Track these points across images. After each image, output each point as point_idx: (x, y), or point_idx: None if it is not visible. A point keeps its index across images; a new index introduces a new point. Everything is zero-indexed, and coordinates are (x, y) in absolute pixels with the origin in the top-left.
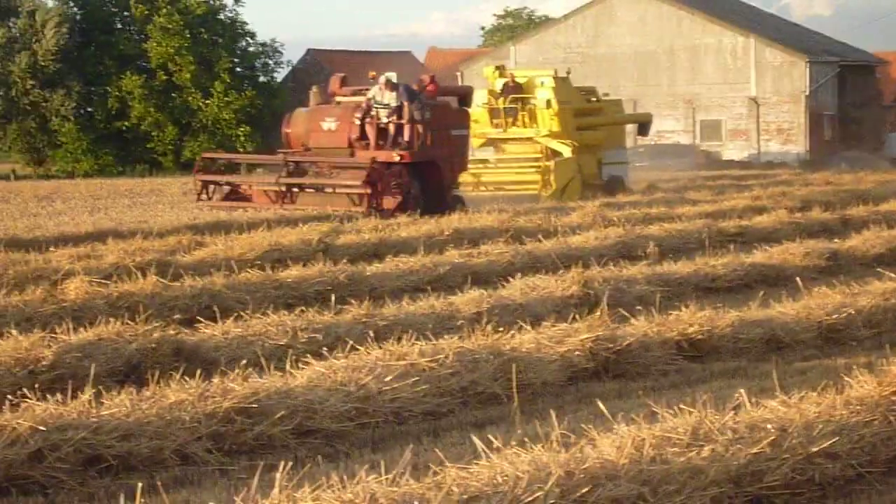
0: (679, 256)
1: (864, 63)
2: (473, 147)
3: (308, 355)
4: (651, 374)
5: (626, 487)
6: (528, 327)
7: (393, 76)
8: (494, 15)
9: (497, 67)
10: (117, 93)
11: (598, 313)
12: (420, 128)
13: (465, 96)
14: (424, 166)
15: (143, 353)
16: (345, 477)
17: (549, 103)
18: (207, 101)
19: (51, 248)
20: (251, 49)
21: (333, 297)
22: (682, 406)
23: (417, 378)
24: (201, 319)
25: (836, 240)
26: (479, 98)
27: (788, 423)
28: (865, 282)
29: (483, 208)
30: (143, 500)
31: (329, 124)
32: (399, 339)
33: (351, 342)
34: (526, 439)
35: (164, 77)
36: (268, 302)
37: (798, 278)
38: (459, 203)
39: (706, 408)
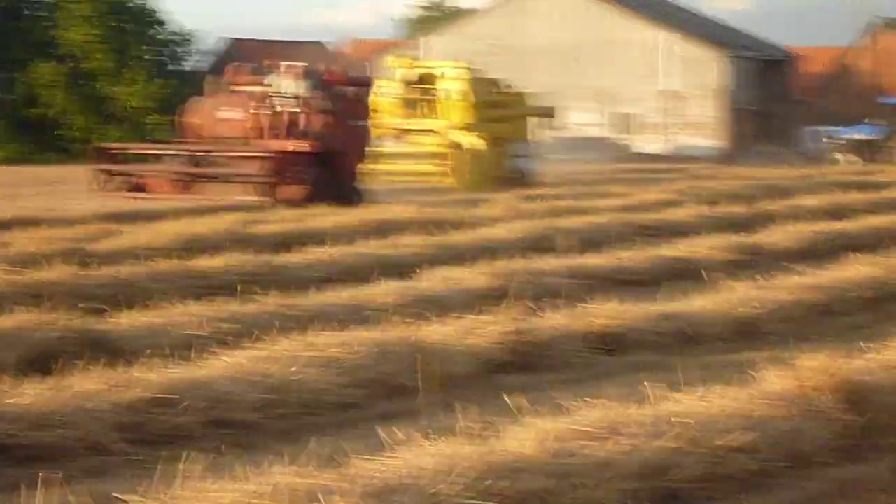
0: (593, 249)
1: (782, 58)
2: (374, 137)
3: (220, 346)
4: (562, 367)
5: (533, 480)
6: (440, 319)
7: (295, 64)
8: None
9: (398, 56)
10: (25, 79)
11: (512, 305)
12: (323, 117)
13: (365, 86)
14: (327, 156)
15: (53, 342)
16: (250, 468)
17: (455, 94)
18: (119, 90)
19: None
20: (161, 37)
21: (243, 287)
22: (589, 399)
23: (328, 368)
24: (111, 309)
25: (748, 234)
26: (384, 88)
27: (696, 416)
28: (777, 276)
29: (388, 199)
30: (44, 491)
31: (226, 114)
32: (310, 330)
33: (260, 333)
34: (430, 431)
35: (73, 65)
36: (181, 291)
37: (705, 272)
38: (359, 195)
39: (616, 401)
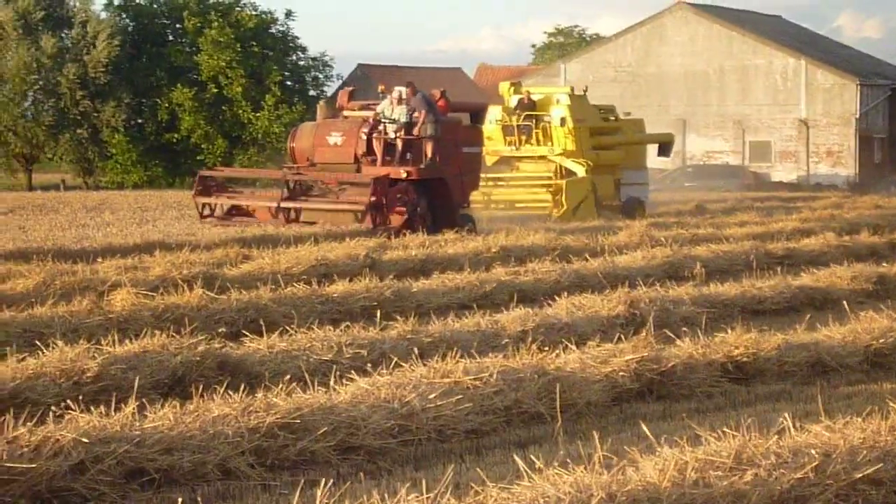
0: (725, 278)
1: None
2: (486, 164)
3: (352, 371)
4: (695, 396)
5: None
6: (574, 347)
7: (404, 90)
8: (545, 33)
9: (513, 84)
10: (167, 105)
11: (644, 334)
12: (430, 144)
13: (477, 113)
14: (433, 184)
15: (188, 366)
16: (386, 495)
17: (563, 121)
18: (257, 115)
19: (98, 260)
20: (302, 63)
21: (379, 313)
22: (725, 429)
23: (461, 396)
24: (246, 333)
25: (884, 264)
26: (494, 115)
27: (833, 448)
28: None
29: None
30: None
31: (335, 139)
32: (444, 357)
33: (395, 359)
34: (568, 460)
35: (215, 90)
36: (313, 317)
37: (845, 302)
38: (469, 222)
39: (750, 431)
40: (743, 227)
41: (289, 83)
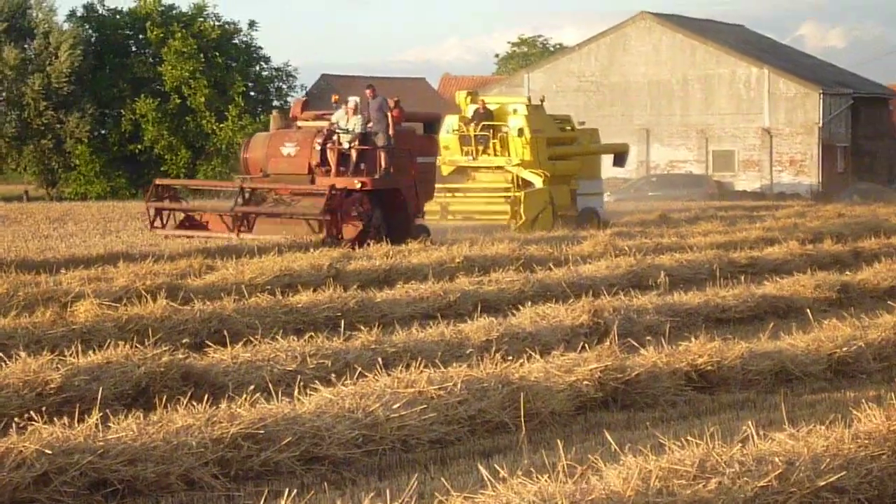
0: (689, 287)
1: (878, 95)
2: (442, 175)
3: (316, 381)
4: (660, 405)
5: None
6: (538, 356)
7: (358, 100)
8: (509, 43)
9: (469, 93)
10: (131, 115)
11: (608, 343)
12: (384, 154)
13: (432, 122)
14: (387, 194)
15: (152, 376)
16: None
17: (521, 131)
18: (221, 125)
19: (61, 271)
20: (265, 73)
21: (343, 324)
22: (689, 438)
23: (425, 406)
24: (210, 344)
25: (847, 272)
26: (450, 124)
27: (796, 456)
28: (876, 315)
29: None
30: None
31: (289, 149)
32: (408, 367)
33: (360, 369)
34: (532, 469)
35: (178, 100)
36: (277, 327)
37: (808, 310)
38: (424, 233)
39: (714, 440)
40: (707, 237)
41: (252, 94)
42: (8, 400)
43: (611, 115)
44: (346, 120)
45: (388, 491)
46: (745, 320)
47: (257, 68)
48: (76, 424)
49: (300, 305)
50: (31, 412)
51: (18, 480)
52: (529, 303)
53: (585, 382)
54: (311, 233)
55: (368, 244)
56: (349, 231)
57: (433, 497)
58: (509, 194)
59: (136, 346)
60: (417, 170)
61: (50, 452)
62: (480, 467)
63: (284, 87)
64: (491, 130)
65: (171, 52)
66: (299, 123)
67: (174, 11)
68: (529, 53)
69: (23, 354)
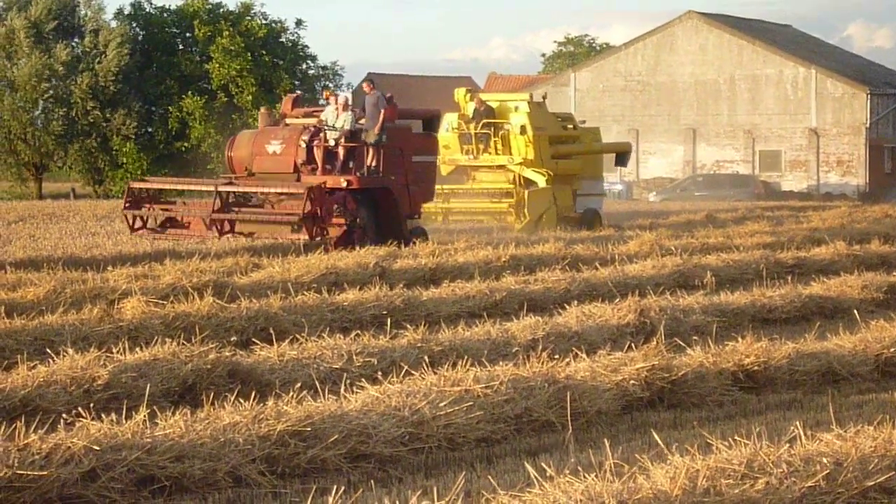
0: (736, 287)
1: None
2: (442, 174)
3: (363, 379)
4: (706, 405)
5: None
6: (584, 355)
7: (350, 96)
8: (555, 42)
9: (468, 90)
10: (178, 113)
11: (654, 342)
12: (372, 152)
13: (431, 120)
14: (377, 194)
15: (199, 374)
16: (397, 502)
17: (523, 129)
18: None
19: (108, 268)
20: (312, 72)
21: (389, 322)
22: (736, 438)
23: (472, 404)
24: (257, 341)
25: (894, 273)
26: (450, 122)
27: (844, 456)
28: None
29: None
30: None
31: (274, 147)
32: (454, 365)
33: (406, 367)
34: (579, 468)
35: (225, 98)
36: (324, 325)
37: (855, 311)
38: (421, 235)
39: (761, 440)
40: (753, 237)
41: (299, 92)
42: (56, 396)
43: (657, 115)
44: (336, 116)
45: (434, 489)
46: (791, 320)
47: (304, 66)
48: (124, 421)
49: (346, 304)
50: (79, 408)
51: (66, 477)
52: (575, 302)
53: (632, 382)
54: (294, 234)
55: (356, 246)
56: (333, 231)
57: (480, 495)
58: (510, 192)
59: (182, 344)
60: (412, 169)
61: (98, 449)
62: (527, 466)
63: (331, 85)
64: (492, 128)
65: (219, 50)
66: (288, 120)
67: (221, 10)
68: (576, 53)
69: (70, 351)
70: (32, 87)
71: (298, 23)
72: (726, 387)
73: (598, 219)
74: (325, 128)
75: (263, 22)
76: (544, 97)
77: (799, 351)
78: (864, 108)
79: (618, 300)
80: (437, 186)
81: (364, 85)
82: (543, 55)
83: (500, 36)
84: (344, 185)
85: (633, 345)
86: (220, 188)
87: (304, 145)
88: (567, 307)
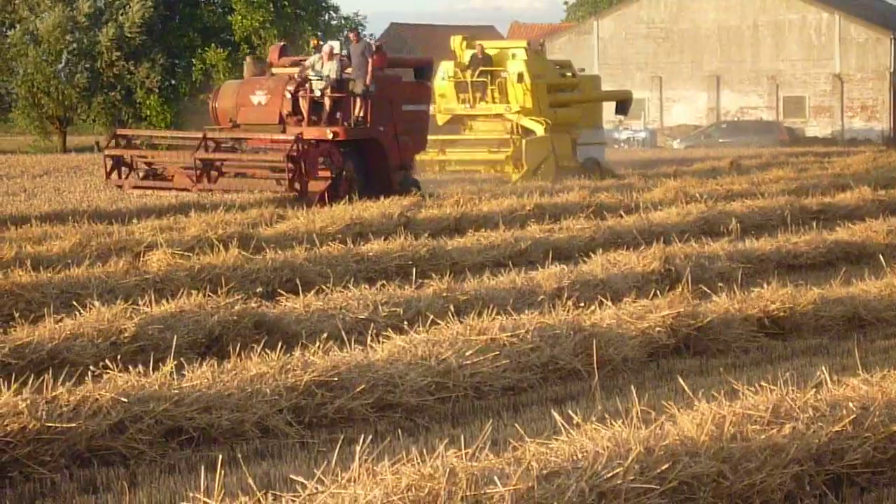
0: (761, 233)
1: None
2: (438, 124)
3: (389, 329)
4: (732, 351)
5: (705, 464)
6: (609, 303)
7: (336, 45)
8: None
9: (465, 38)
10: (201, 65)
11: (680, 290)
12: (359, 102)
13: (423, 68)
14: (365, 145)
15: (225, 325)
16: (424, 451)
17: (520, 77)
18: None
19: (133, 221)
20: (334, 23)
21: (414, 272)
22: (762, 384)
23: (497, 353)
24: (282, 292)
25: None
26: (446, 71)
27: (870, 401)
28: None
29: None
30: (223, 472)
31: (259, 98)
32: (480, 315)
33: (432, 316)
34: (606, 415)
35: (248, 50)
36: (349, 276)
37: (881, 256)
38: (414, 187)
39: (787, 386)
40: (778, 183)
41: (322, 43)
42: (83, 349)
43: (680, 62)
44: (322, 65)
45: (461, 437)
46: (816, 266)
47: (326, 17)
48: (151, 373)
49: (371, 254)
50: (106, 361)
51: (95, 428)
52: (600, 250)
53: (657, 329)
54: (278, 187)
55: (343, 199)
56: (316, 185)
57: (507, 443)
58: (507, 141)
59: (208, 296)
60: (403, 119)
61: (125, 400)
62: (554, 414)
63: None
64: (489, 76)
65: (241, 1)
66: (274, 70)
67: None
68: (599, 1)
69: (97, 304)
70: (56, 39)
71: None
72: (752, 333)
73: (599, 168)
74: (311, 76)
75: None
76: (542, 44)
77: (824, 297)
78: (889, 52)
79: (643, 248)
80: (432, 136)
81: (350, 34)
82: (566, 3)
83: None
84: (329, 136)
85: (658, 292)
86: (205, 138)
87: (289, 96)
88: (592, 255)
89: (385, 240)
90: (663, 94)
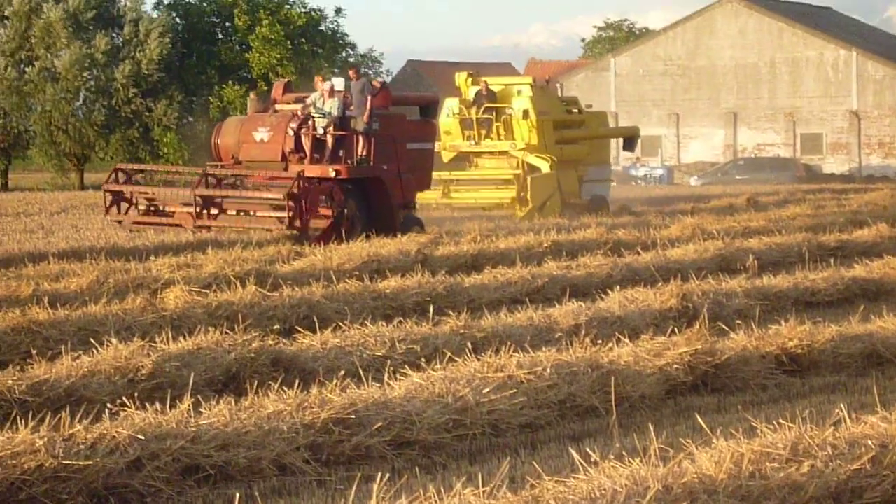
0: (778, 270)
1: None
2: (444, 161)
3: (406, 366)
4: (750, 389)
5: (724, 502)
6: (627, 340)
7: (339, 82)
8: (595, 27)
9: (470, 74)
10: (219, 103)
11: (697, 327)
12: (362, 140)
13: (427, 106)
14: (368, 184)
15: (242, 362)
16: (442, 489)
17: (525, 113)
18: None
19: (151, 258)
20: (351, 60)
21: (432, 309)
22: (781, 421)
23: (515, 390)
24: (300, 329)
25: None
26: (451, 107)
27: (889, 439)
28: None
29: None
30: None
31: (262, 135)
32: (497, 351)
33: (449, 354)
34: (624, 453)
35: (266, 87)
36: (366, 313)
37: None
38: (416, 226)
39: (806, 423)
40: (795, 220)
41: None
42: (100, 386)
43: (697, 99)
44: (323, 102)
45: (479, 475)
46: (834, 303)
47: (344, 55)
48: (168, 410)
49: (388, 291)
50: (123, 398)
51: (112, 466)
52: (618, 287)
53: (675, 366)
54: (278, 225)
55: (342, 238)
56: (318, 223)
57: (525, 481)
58: (511, 179)
59: (226, 333)
60: (406, 157)
61: (142, 438)
62: (571, 451)
63: (371, 73)
64: (494, 113)
65: (258, 39)
66: (277, 107)
67: None
68: (616, 38)
69: (114, 341)
70: (73, 76)
71: (338, 11)
72: (770, 370)
73: (606, 206)
74: (314, 113)
75: (303, 10)
76: (548, 80)
77: (842, 334)
78: None
79: (660, 285)
80: (437, 174)
81: (350, 71)
82: (583, 40)
83: (540, 21)
84: (332, 174)
85: (675, 329)
86: (206, 174)
87: (291, 133)
88: (609, 292)
89: (402, 277)
90: (680, 130)
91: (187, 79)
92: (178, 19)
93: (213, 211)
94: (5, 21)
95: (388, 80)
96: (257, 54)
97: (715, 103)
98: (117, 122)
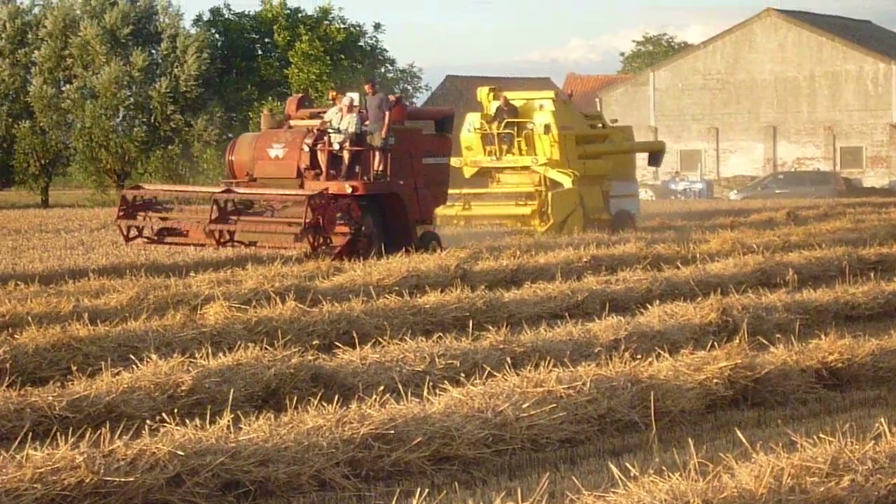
0: (818, 284)
1: None
2: (465, 176)
3: (445, 382)
4: (790, 403)
5: None
6: (667, 355)
7: (355, 97)
8: (633, 41)
9: (491, 89)
10: (258, 119)
11: (737, 341)
12: (378, 156)
13: (443, 120)
14: (384, 200)
15: (282, 378)
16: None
17: (547, 128)
18: None
19: (191, 274)
20: (390, 75)
21: (471, 324)
22: (821, 435)
23: (555, 405)
24: (339, 345)
25: None
26: (472, 122)
27: None
28: None
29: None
30: None
31: (276, 151)
32: (536, 366)
33: (488, 369)
34: (664, 468)
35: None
36: (405, 328)
37: None
38: (433, 241)
39: (846, 437)
40: (835, 234)
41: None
42: (140, 402)
43: (737, 113)
44: (340, 118)
45: (518, 490)
46: (875, 317)
47: (383, 70)
48: (208, 426)
49: (428, 306)
50: (163, 414)
51: (152, 482)
52: (657, 301)
53: (715, 381)
54: (296, 243)
55: (360, 256)
56: (336, 241)
57: (564, 496)
58: (532, 195)
59: (265, 348)
60: (423, 172)
61: (182, 454)
62: (611, 466)
63: (410, 88)
64: (515, 128)
65: (298, 54)
66: (292, 122)
67: (300, 14)
68: (655, 52)
69: (154, 357)
70: (112, 93)
71: (377, 26)
72: (810, 384)
73: (632, 221)
74: (330, 130)
75: (342, 26)
76: (570, 95)
77: (883, 347)
78: None
79: (700, 299)
80: (457, 190)
81: (366, 86)
82: (622, 55)
83: (578, 36)
84: (349, 191)
85: (715, 343)
86: (217, 196)
87: (307, 149)
88: (649, 307)
89: (442, 292)
90: (720, 145)
91: (227, 95)
92: (217, 35)
93: (227, 234)
94: (42, 41)
95: (428, 95)
96: (297, 70)
97: (754, 117)
98: (157, 139)
